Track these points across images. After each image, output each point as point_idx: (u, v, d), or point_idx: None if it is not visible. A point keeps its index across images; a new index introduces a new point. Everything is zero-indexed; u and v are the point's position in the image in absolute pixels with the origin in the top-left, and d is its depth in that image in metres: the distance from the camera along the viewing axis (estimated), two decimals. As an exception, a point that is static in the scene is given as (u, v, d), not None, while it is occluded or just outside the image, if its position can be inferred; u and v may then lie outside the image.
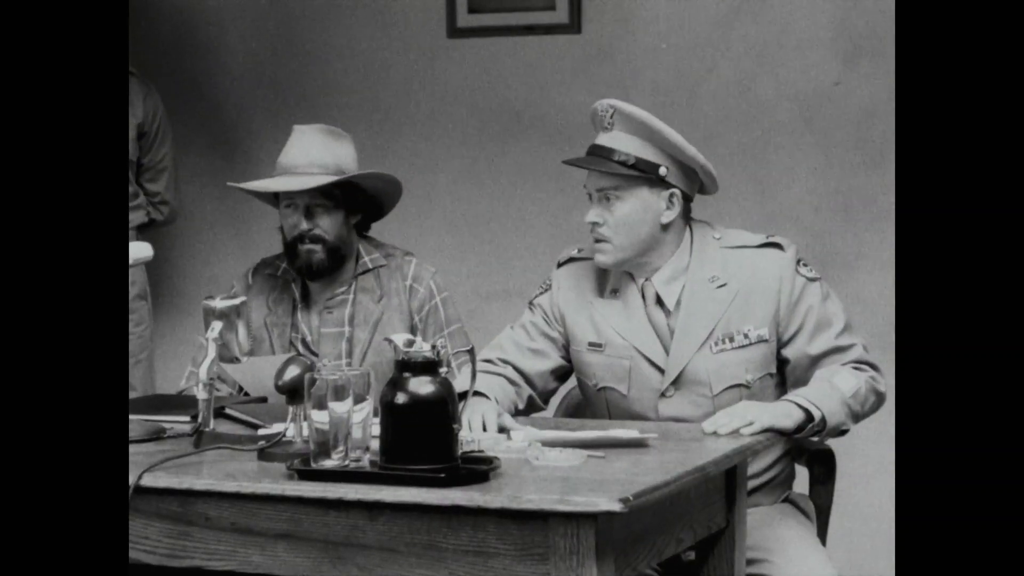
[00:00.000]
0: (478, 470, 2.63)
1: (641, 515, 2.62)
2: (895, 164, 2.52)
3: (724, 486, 2.99)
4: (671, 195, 3.25)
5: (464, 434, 2.78)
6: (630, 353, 3.26)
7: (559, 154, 4.73)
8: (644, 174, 3.22)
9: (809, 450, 3.44)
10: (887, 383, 3.21)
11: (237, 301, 3.07)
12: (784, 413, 3.08)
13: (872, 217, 4.61)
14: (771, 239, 3.31)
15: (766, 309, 3.24)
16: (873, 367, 3.24)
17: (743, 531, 3.06)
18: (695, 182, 3.31)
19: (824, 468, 3.42)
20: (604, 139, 3.26)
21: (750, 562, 3.13)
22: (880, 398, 3.24)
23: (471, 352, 2.82)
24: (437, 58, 5.02)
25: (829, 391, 3.14)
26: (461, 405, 2.68)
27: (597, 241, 3.26)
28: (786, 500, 3.38)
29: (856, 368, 3.22)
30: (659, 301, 3.27)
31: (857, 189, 4.64)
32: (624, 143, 3.23)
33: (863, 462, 4.32)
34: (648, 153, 3.23)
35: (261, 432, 3.06)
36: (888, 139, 4.53)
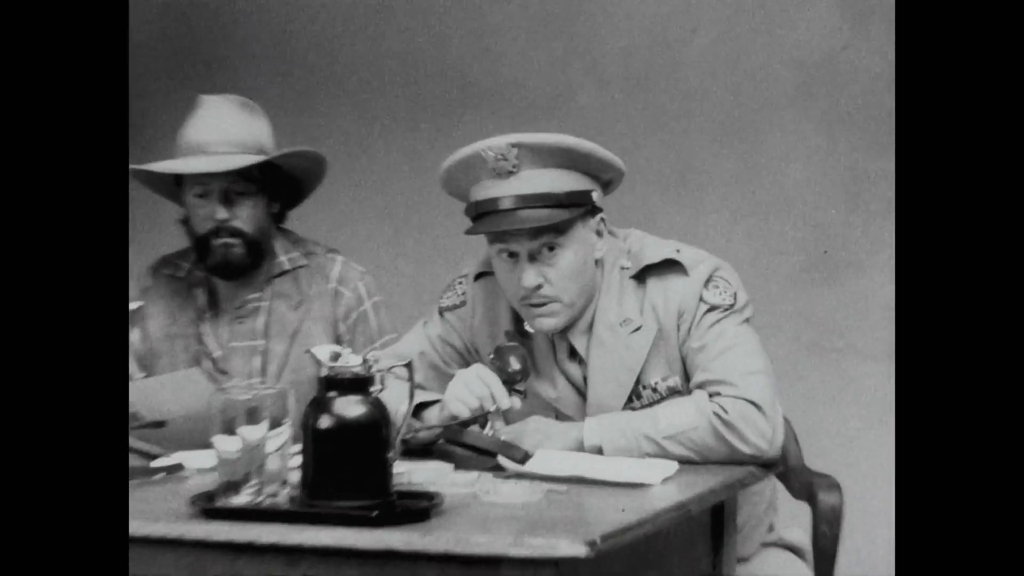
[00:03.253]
0: (417, 507, 2.62)
1: (610, 561, 2.61)
2: (895, 154, 2.52)
3: (710, 526, 2.99)
4: (599, 221, 3.19)
5: (399, 466, 2.77)
6: (548, 406, 3.23)
7: (517, 130, 4.76)
8: (580, 207, 3.13)
9: (811, 484, 3.43)
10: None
11: (132, 307, 3.05)
12: (560, 432, 3.07)
13: (883, 205, 4.63)
14: (674, 256, 3.20)
15: (672, 353, 3.17)
16: (753, 406, 3.03)
17: (732, 580, 3.07)
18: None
19: (829, 505, 3.36)
20: (511, 186, 3.12)
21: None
22: (733, 451, 3.02)
23: (409, 367, 2.80)
24: (368, 17, 5.02)
25: (638, 423, 3.05)
26: (396, 430, 2.67)
27: (537, 305, 3.14)
28: (776, 544, 3.36)
29: (711, 407, 3.05)
30: (572, 353, 3.23)
31: (866, 172, 4.67)
32: (543, 181, 3.12)
33: (863, 473, 4.33)
34: (574, 182, 3.14)
35: (155, 464, 3.05)
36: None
